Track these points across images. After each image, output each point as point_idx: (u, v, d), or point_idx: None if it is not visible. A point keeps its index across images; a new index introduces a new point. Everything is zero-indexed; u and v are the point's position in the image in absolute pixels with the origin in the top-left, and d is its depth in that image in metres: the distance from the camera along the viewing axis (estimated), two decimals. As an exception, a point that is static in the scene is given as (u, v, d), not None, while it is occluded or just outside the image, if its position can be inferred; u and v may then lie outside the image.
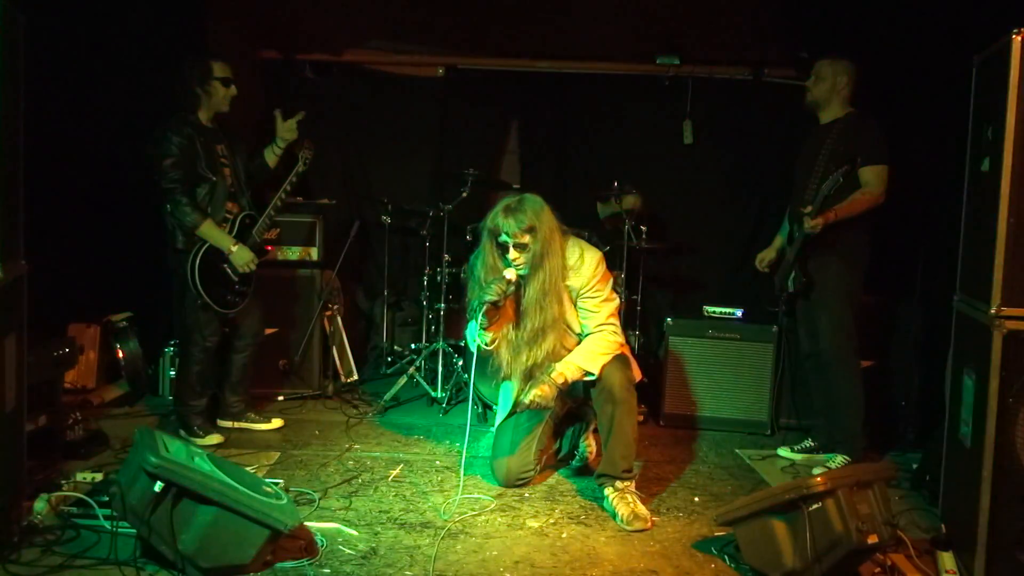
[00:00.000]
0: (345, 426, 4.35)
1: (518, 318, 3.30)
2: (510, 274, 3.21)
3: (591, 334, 3.32)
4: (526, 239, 3.18)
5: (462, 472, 3.46)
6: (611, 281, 3.38)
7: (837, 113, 3.88)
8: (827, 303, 3.82)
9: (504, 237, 3.20)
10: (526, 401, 3.28)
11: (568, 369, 3.26)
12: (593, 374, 3.28)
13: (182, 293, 3.84)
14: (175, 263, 3.83)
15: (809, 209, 3.67)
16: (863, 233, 3.80)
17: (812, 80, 3.93)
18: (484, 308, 3.17)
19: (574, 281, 3.28)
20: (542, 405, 3.30)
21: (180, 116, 3.81)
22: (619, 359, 3.33)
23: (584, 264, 3.28)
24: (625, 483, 3.24)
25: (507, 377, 3.43)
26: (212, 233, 3.78)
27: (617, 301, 3.41)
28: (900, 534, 2.76)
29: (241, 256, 3.85)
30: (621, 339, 3.37)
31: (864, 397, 3.80)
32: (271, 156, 4.12)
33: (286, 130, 4.05)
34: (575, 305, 3.33)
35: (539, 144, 6.00)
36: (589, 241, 4.06)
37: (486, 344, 3.28)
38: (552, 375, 3.25)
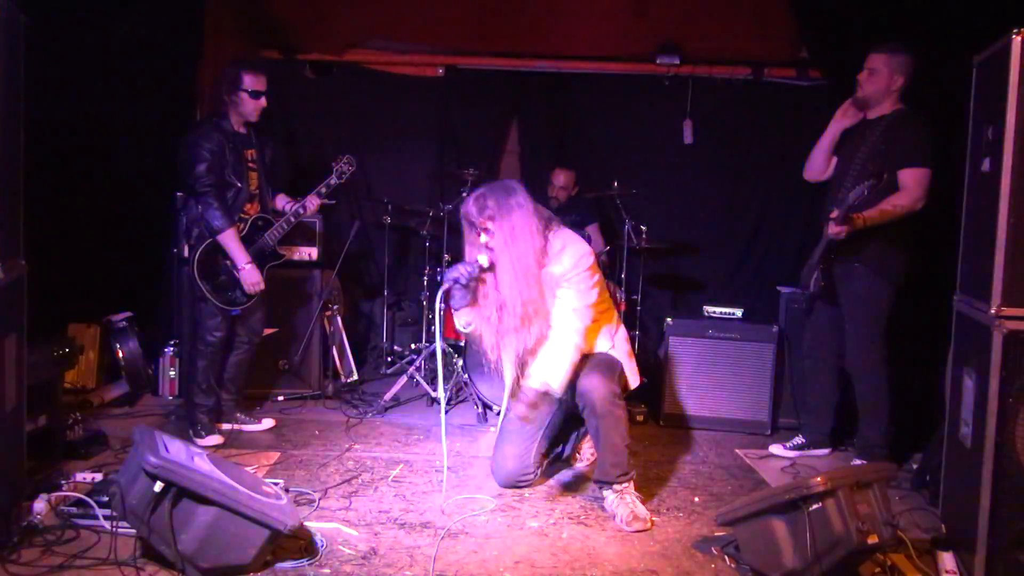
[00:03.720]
0: (345, 426, 4.35)
1: (501, 304, 3.30)
2: (482, 258, 3.23)
3: (552, 330, 3.26)
4: (489, 225, 3.20)
5: (446, 469, 3.46)
6: (597, 278, 3.28)
7: (885, 109, 3.68)
8: (854, 317, 3.72)
9: (471, 222, 3.25)
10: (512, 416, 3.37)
11: (536, 383, 3.23)
12: (554, 388, 3.22)
13: (192, 288, 3.89)
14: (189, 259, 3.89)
15: (835, 215, 3.49)
16: (894, 246, 3.61)
17: (865, 74, 3.67)
18: (446, 287, 3.27)
19: (555, 268, 3.25)
20: (527, 418, 3.32)
21: (210, 122, 3.87)
22: (603, 367, 3.26)
23: (565, 254, 3.24)
24: (623, 485, 3.23)
25: (496, 363, 3.43)
26: (232, 244, 3.82)
27: (594, 297, 3.27)
28: (900, 534, 2.75)
29: (250, 276, 3.87)
30: (575, 339, 3.22)
31: (891, 411, 3.75)
32: (283, 201, 4.21)
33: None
34: (555, 293, 3.29)
35: (539, 144, 6.00)
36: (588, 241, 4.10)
37: (463, 328, 3.36)
38: (526, 392, 3.26)
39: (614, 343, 3.43)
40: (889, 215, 3.53)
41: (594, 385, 3.21)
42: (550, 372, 3.21)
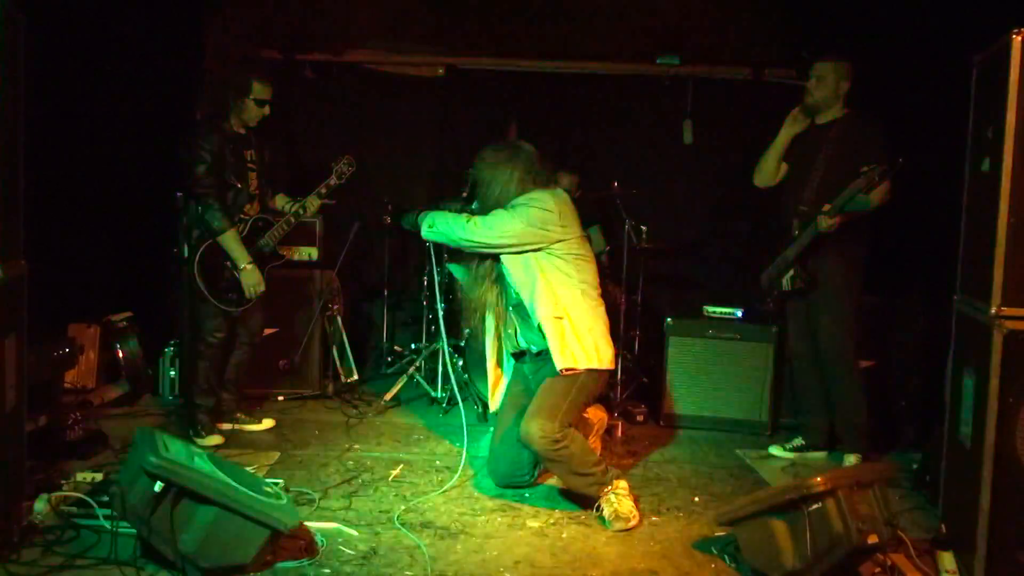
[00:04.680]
0: (345, 426, 4.35)
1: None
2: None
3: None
4: (477, 164, 3.46)
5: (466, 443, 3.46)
6: (529, 218, 3.26)
7: (836, 114, 3.88)
8: (829, 304, 3.83)
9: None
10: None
11: (423, 223, 3.43)
12: (422, 232, 3.44)
13: (192, 288, 3.88)
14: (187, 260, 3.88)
15: (827, 208, 3.64)
16: (862, 233, 3.81)
17: (813, 82, 3.89)
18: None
19: (515, 201, 3.34)
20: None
21: (210, 123, 3.87)
22: (545, 406, 3.19)
23: (528, 194, 3.34)
24: (605, 488, 3.19)
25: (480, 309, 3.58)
26: (232, 245, 3.82)
27: (509, 227, 3.27)
28: (900, 534, 2.75)
29: (251, 276, 3.87)
30: (477, 236, 3.31)
31: (864, 393, 3.85)
32: (283, 201, 4.21)
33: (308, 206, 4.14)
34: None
35: (539, 144, 5.97)
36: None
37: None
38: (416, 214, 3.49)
39: (569, 314, 3.28)
40: (869, 208, 3.71)
41: (531, 435, 3.14)
42: (432, 220, 3.40)
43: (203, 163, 3.75)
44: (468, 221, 3.33)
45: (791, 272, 3.89)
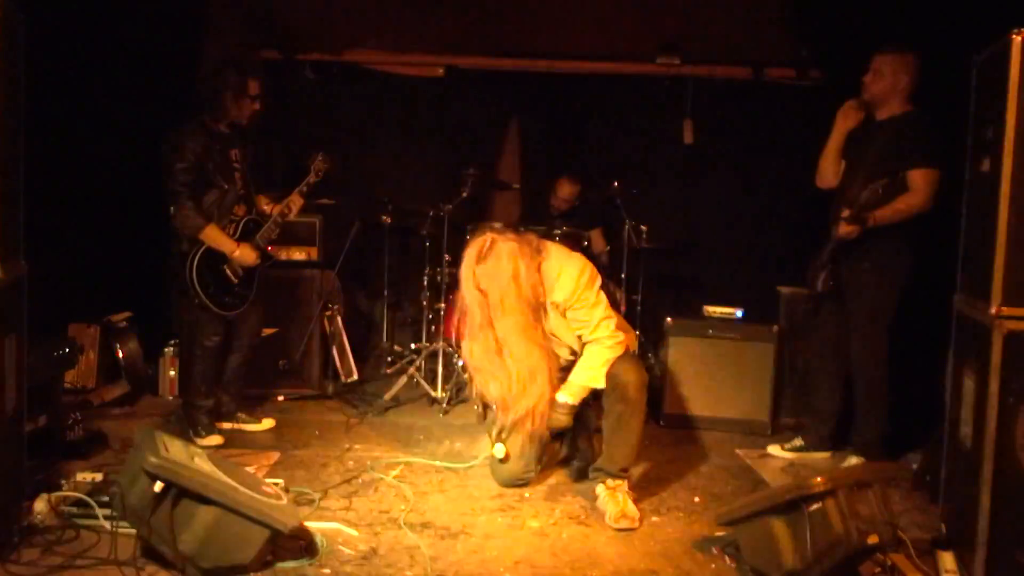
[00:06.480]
0: (345, 426, 4.35)
1: (500, 347, 3.23)
2: (497, 451, 3.43)
3: (588, 344, 3.27)
4: (482, 288, 3.18)
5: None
6: (598, 283, 3.27)
7: (895, 110, 3.69)
8: (861, 317, 3.74)
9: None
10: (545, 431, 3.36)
11: (575, 392, 3.27)
12: (600, 386, 3.26)
13: (184, 293, 3.86)
14: (178, 264, 3.84)
15: (847, 213, 3.51)
16: (903, 246, 3.63)
17: (870, 76, 3.69)
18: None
19: (558, 296, 3.22)
20: (559, 428, 3.40)
21: (198, 121, 3.83)
22: (633, 358, 3.31)
23: (564, 277, 3.20)
24: (618, 482, 3.23)
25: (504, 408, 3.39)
26: (215, 237, 3.80)
27: (605, 301, 3.30)
28: (900, 534, 2.76)
29: (244, 257, 3.86)
30: (618, 338, 3.27)
31: (887, 410, 3.78)
32: (265, 202, 4.16)
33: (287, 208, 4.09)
34: (565, 315, 3.27)
35: (539, 144, 6.00)
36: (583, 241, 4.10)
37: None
38: (562, 403, 3.28)
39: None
40: (900, 215, 3.56)
41: (628, 371, 3.22)
42: (593, 378, 3.25)
43: (183, 161, 3.71)
44: (609, 336, 3.22)
45: (823, 275, 3.79)
